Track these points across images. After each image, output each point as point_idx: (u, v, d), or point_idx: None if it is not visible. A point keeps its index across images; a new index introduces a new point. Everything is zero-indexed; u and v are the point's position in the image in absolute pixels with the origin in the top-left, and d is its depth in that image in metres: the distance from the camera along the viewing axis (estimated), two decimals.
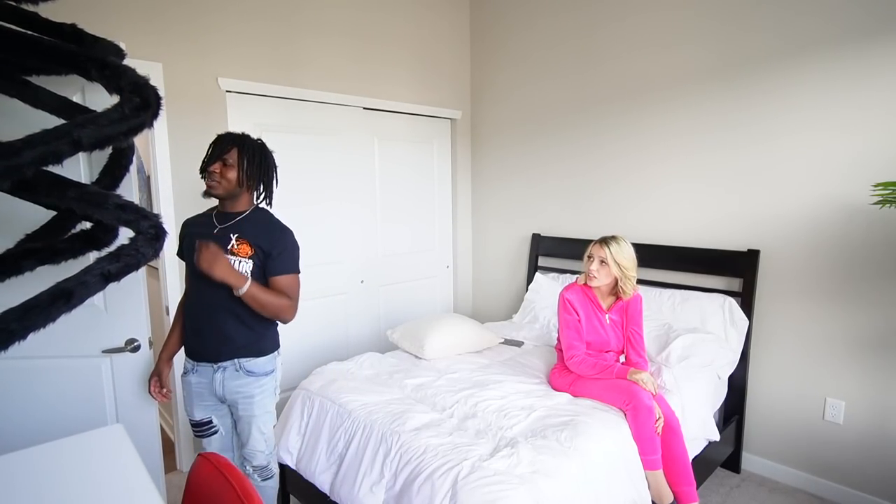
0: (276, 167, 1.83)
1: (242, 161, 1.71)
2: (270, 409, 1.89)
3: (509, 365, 2.60)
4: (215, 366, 1.78)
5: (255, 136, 1.83)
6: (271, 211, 1.86)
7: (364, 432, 1.98)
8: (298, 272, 1.80)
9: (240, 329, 1.76)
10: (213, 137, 1.76)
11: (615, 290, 2.31)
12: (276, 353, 1.89)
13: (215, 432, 1.90)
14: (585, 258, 2.31)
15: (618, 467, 1.85)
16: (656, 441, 1.95)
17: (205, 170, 1.72)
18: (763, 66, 2.54)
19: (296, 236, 1.82)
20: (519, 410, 2.04)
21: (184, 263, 1.87)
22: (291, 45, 2.98)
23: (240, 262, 1.71)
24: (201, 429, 1.89)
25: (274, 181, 1.83)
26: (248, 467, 1.92)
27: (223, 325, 1.75)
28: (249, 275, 1.71)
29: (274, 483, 2.00)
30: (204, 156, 1.73)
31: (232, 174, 1.70)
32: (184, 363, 1.87)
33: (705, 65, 2.74)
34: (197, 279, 1.72)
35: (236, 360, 1.78)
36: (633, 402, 1.98)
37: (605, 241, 2.24)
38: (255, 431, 1.85)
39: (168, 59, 2.53)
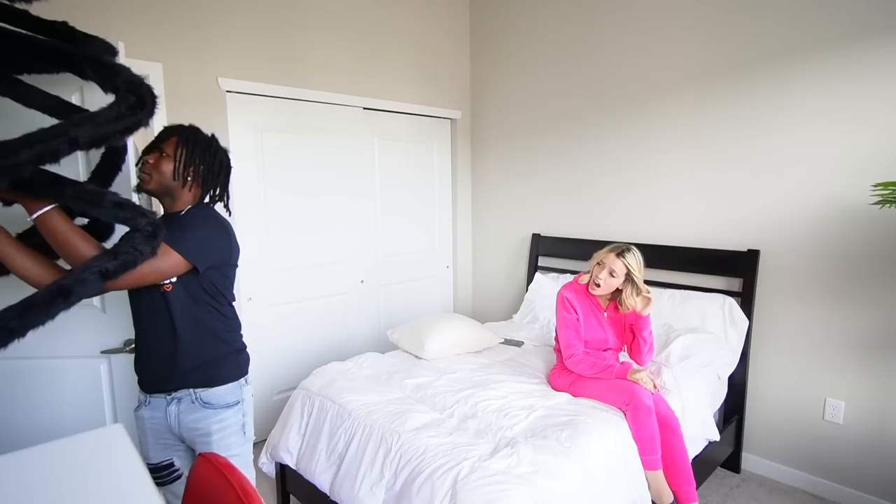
0: (228, 167, 1.57)
1: (181, 152, 1.45)
2: (236, 451, 1.54)
3: (509, 365, 2.59)
4: (168, 397, 1.51)
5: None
6: (218, 210, 1.58)
7: (364, 432, 1.98)
8: (179, 252, 1.38)
9: (187, 349, 1.48)
10: (212, 137, 1.64)
11: (614, 294, 2.30)
12: (241, 381, 1.58)
13: (178, 477, 1.59)
14: (594, 264, 2.24)
15: (618, 467, 1.85)
16: (656, 441, 1.95)
17: (141, 161, 1.47)
18: (763, 65, 2.53)
19: (222, 230, 1.51)
20: (519, 410, 2.04)
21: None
22: (292, 44, 2.98)
23: None
24: (161, 474, 1.57)
25: (219, 180, 1.55)
26: None
27: (166, 343, 1.47)
28: (172, 284, 1.44)
29: None
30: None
31: (166, 166, 1.44)
32: (137, 396, 1.59)
33: (705, 65, 2.74)
34: (134, 293, 1.47)
35: (191, 390, 1.50)
36: (633, 402, 1.98)
37: (621, 252, 2.16)
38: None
39: (168, 59, 2.53)
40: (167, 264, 1.37)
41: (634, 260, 2.16)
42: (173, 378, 1.50)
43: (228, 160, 1.59)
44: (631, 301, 2.17)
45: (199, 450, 1.52)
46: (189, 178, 1.48)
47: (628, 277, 2.17)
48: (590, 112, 3.28)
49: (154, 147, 1.47)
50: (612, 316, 2.32)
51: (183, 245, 1.39)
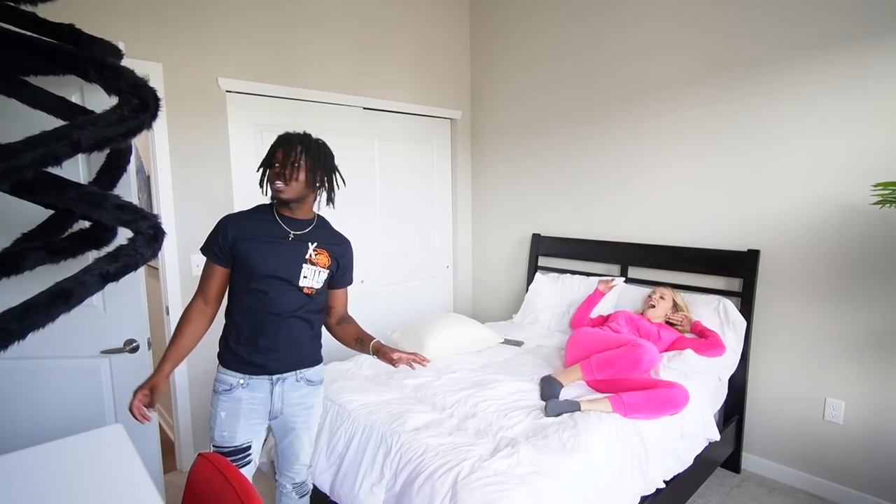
0: (338, 169, 1.74)
1: (308, 161, 1.59)
2: (318, 419, 1.84)
3: (509, 365, 2.59)
4: (274, 378, 1.66)
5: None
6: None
7: (364, 432, 1.98)
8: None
9: (310, 337, 1.72)
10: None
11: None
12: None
13: (248, 462, 1.69)
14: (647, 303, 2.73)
15: (620, 466, 1.85)
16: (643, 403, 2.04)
17: (266, 172, 1.61)
18: (762, 67, 2.53)
19: None
20: (519, 410, 2.04)
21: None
22: (291, 45, 2.98)
23: (318, 271, 1.67)
24: (237, 457, 1.66)
25: (336, 182, 1.72)
26: (287, 485, 1.82)
27: (296, 333, 1.67)
28: (322, 284, 1.70)
29: (308, 499, 1.88)
30: (265, 157, 1.63)
31: (301, 176, 1.58)
32: (222, 379, 1.66)
33: (705, 66, 2.74)
34: (263, 283, 1.61)
35: (296, 371, 1.70)
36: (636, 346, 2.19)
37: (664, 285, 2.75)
38: (307, 444, 1.78)
39: (168, 60, 2.53)
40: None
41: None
42: (295, 362, 1.69)
43: (335, 163, 1.74)
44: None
45: (300, 420, 1.73)
46: (318, 186, 1.65)
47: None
48: (590, 112, 3.29)
49: (283, 159, 1.57)
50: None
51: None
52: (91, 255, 1.55)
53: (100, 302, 1.79)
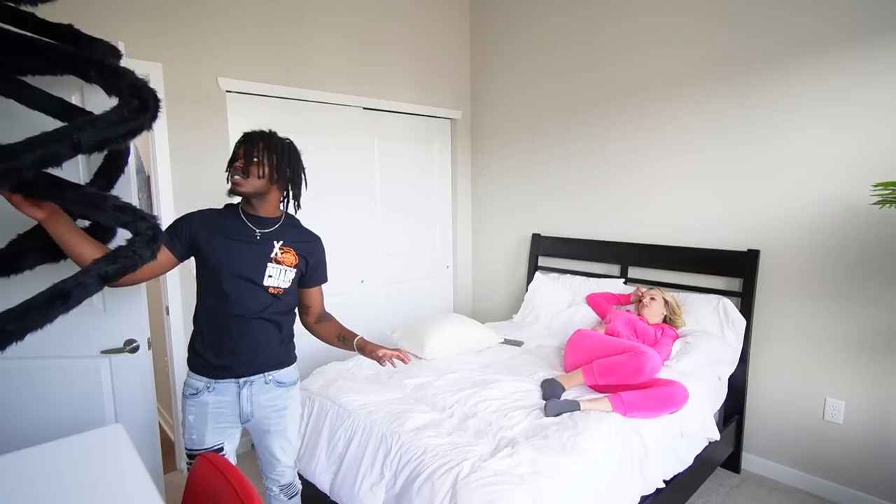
0: (304, 169, 1.70)
1: (271, 157, 1.58)
2: (298, 420, 1.80)
3: (509, 365, 2.59)
4: (241, 381, 1.64)
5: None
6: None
7: (364, 432, 1.98)
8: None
9: (278, 339, 1.68)
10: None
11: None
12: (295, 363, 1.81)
13: None
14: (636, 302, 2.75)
15: (620, 466, 1.85)
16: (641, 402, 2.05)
17: (231, 166, 1.59)
18: (763, 66, 2.53)
19: None
20: (519, 410, 2.04)
21: (193, 264, 1.66)
22: (291, 45, 2.98)
23: (285, 270, 1.64)
24: None
25: (303, 183, 1.70)
26: (274, 488, 1.81)
27: (262, 335, 1.64)
28: (290, 283, 1.66)
29: (298, 499, 1.88)
30: (231, 155, 1.62)
31: (261, 170, 1.56)
32: (189, 383, 1.66)
33: (705, 65, 2.74)
34: (227, 283, 1.58)
35: (265, 373, 1.67)
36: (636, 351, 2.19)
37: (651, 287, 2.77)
38: (287, 446, 1.76)
39: (168, 60, 2.53)
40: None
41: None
42: (260, 365, 1.65)
43: (303, 163, 1.71)
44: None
45: (273, 423, 1.70)
46: (280, 180, 1.61)
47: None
48: (590, 112, 3.28)
49: (244, 154, 1.56)
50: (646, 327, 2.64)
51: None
52: None
53: (100, 302, 1.79)
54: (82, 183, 1.61)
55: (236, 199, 1.65)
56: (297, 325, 1.82)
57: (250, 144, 1.57)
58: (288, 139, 1.67)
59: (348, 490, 1.90)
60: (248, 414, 1.67)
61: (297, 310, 1.80)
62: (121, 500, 1.06)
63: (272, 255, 1.63)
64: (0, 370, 1.73)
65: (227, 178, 1.59)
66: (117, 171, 1.60)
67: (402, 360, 1.67)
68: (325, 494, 2.02)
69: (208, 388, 1.63)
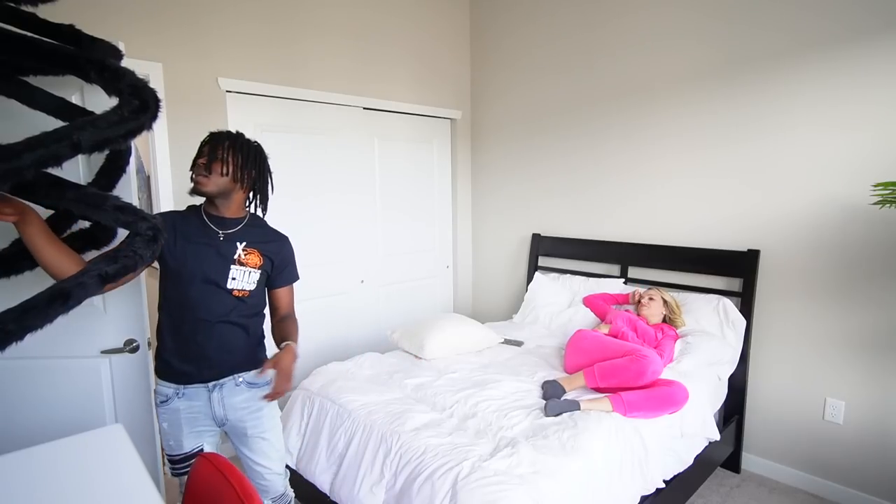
0: (270, 172, 1.68)
1: (236, 157, 1.55)
2: (278, 421, 1.76)
3: (509, 365, 2.59)
4: (210, 385, 1.61)
5: (254, 136, 1.77)
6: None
7: (364, 432, 1.98)
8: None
9: (245, 343, 1.64)
10: (258, 144, 1.66)
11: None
12: None
13: None
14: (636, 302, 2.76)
15: (620, 466, 1.85)
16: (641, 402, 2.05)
17: (195, 164, 1.55)
18: (763, 65, 2.53)
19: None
20: (519, 410, 2.04)
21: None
22: (291, 44, 2.98)
23: (248, 272, 1.60)
24: (189, 463, 1.61)
25: (269, 186, 1.67)
26: (267, 501, 1.75)
27: (229, 339, 1.60)
28: (256, 285, 1.63)
29: None
30: (196, 154, 1.59)
31: (226, 170, 1.53)
32: (159, 391, 1.63)
33: (705, 64, 2.74)
34: (190, 287, 1.55)
35: (234, 376, 1.63)
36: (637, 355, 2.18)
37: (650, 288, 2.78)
38: (269, 449, 1.69)
39: (168, 59, 2.53)
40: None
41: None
42: (228, 368, 1.61)
43: (270, 167, 1.69)
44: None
45: (249, 425, 1.66)
46: (246, 180, 1.58)
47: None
48: (590, 112, 3.28)
49: (209, 152, 1.54)
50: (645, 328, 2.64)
51: (297, 272, 1.77)
52: (91, 255, 1.55)
53: (100, 302, 1.79)
54: (83, 183, 1.61)
55: (200, 200, 1.62)
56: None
57: (215, 143, 1.54)
58: (256, 141, 1.64)
59: (348, 490, 1.90)
60: (222, 417, 1.63)
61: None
62: (121, 500, 1.05)
63: (235, 256, 1.58)
64: (0, 370, 1.73)
65: (191, 178, 1.55)
66: (119, 171, 1.60)
67: (276, 393, 1.54)
68: (325, 494, 2.02)
69: (178, 394, 1.60)
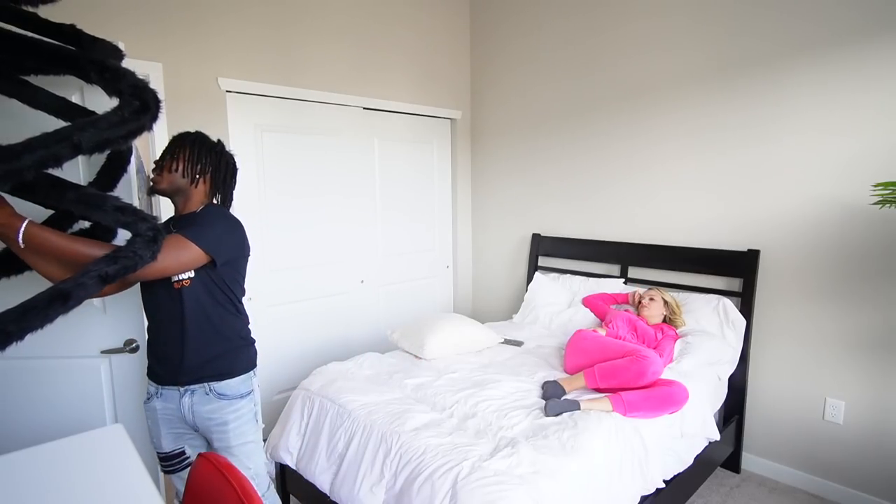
0: (234, 169, 1.65)
1: (188, 153, 1.54)
2: (251, 438, 1.64)
3: (509, 365, 2.59)
4: (182, 389, 1.58)
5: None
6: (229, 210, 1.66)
7: (364, 432, 1.98)
8: (199, 245, 1.44)
9: (206, 345, 1.55)
10: (213, 137, 1.67)
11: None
12: (251, 372, 1.67)
13: (189, 465, 1.64)
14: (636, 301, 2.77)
15: (620, 466, 1.85)
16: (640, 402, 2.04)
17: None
18: (762, 67, 2.53)
19: (237, 227, 1.59)
20: (519, 410, 2.04)
21: None
22: (292, 45, 2.98)
23: None
24: (172, 462, 1.65)
25: (225, 178, 1.62)
26: None
27: (186, 340, 1.53)
28: (189, 279, 1.50)
29: None
30: None
31: (176, 166, 1.52)
32: (147, 388, 1.66)
33: (704, 66, 2.74)
34: (146, 288, 1.55)
35: (205, 383, 1.57)
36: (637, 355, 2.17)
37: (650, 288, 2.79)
38: (238, 466, 1.53)
39: (168, 60, 2.53)
40: (188, 257, 1.44)
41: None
42: (186, 371, 1.56)
43: (234, 162, 1.68)
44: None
45: (215, 438, 1.60)
46: (198, 177, 1.56)
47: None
48: (590, 112, 3.29)
49: (164, 152, 1.56)
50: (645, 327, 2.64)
51: (203, 239, 1.46)
52: None
53: (100, 302, 1.79)
54: (83, 183, 1.61)
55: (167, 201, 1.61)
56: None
57: (171, 143, 1.57)
58: (218, 140, 1.65)
59: (348, 490, 1.90)
60: (191, 423, 1.61)
61: (235, 302, 1.63)
62: (121, 500, 1.06)
63: None
64: (0, 370, 1.73)
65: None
66: (120, 171, 1.60)
67: None
68: (325, 494, 2.02)
69: (157, 393, 1.62)
